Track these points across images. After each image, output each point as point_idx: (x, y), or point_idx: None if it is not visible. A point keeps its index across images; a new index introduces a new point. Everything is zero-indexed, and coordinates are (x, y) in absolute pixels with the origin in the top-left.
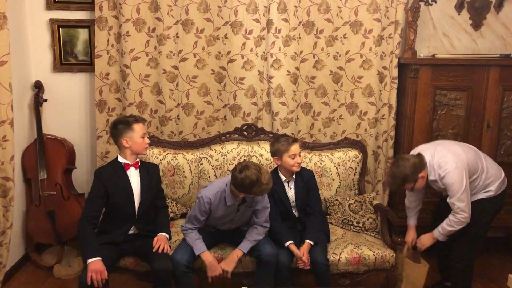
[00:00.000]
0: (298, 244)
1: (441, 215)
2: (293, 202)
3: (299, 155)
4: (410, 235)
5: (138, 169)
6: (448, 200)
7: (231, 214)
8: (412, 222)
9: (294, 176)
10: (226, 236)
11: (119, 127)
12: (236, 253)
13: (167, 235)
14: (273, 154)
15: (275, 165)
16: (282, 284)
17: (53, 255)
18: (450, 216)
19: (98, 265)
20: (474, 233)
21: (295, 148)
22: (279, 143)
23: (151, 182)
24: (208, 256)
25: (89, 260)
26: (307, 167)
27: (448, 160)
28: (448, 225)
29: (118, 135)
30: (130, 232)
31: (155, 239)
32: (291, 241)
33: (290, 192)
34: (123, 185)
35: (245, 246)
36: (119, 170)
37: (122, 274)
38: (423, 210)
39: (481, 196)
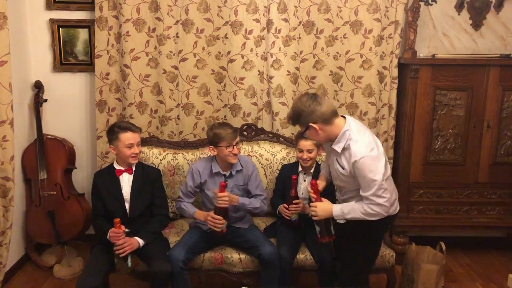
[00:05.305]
0: (299, 246)
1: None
2: (302, 194)
3: (309, 152)
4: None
5: (132, 174)
6: (361, 193)
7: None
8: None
9: (312, 171)
10: (223, 237)
11: (108, 134)
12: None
13: (140, 241)
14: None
15: (279, 164)
16: (284, 283)
17: (53, 255)
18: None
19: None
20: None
21: (302, 143)
22: (298, 134)
23: (146, 186)
24: (200, 214)
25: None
26: None
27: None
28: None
29: (108, 142)
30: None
31: (126, 240)
32: (280, 205)
33: (303, 184)
34: (114, 191)
35: (242, 200)
36: (112, 175)
37: (122, 273)
38: (423, 210)
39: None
